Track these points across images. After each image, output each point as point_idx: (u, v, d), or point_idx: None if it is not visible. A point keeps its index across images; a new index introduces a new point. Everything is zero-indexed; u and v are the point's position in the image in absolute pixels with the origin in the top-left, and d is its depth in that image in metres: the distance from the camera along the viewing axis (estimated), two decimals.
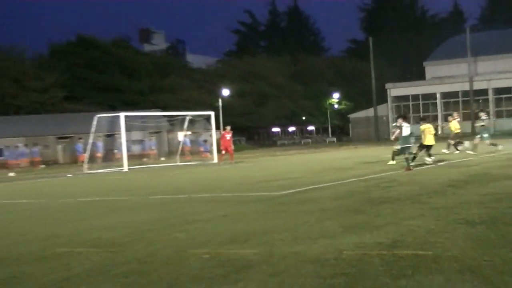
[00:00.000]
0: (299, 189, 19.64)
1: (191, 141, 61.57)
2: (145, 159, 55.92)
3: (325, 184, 21.02)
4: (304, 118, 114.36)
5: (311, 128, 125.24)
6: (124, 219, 14.83)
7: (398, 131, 27.28)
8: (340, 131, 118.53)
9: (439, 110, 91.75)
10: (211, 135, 52.50)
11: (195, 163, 46.21)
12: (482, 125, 36.07)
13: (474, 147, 35.03)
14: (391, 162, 29.62)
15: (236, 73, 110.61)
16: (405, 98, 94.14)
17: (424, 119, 30.86)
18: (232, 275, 8.33)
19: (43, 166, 59.69)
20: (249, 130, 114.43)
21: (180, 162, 47.22)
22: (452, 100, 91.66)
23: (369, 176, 23.34)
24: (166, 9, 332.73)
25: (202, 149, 58.66)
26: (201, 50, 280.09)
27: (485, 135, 35.68)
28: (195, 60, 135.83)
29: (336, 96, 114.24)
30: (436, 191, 16.95)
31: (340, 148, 64.28)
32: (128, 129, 47.80)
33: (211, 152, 51.90)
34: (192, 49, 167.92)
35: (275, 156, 54.09)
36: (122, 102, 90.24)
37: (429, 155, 28.66)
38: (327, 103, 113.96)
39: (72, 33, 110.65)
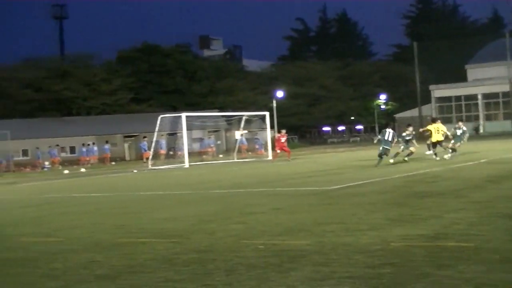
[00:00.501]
0: (348, 184, 19.57)
1: (247, 140, 61.74)
2: (204, 156, 56.18)
3: (373, 180, 20.90)
4: (352, 118, 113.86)
5: (359, 127, 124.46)
6: (186, 212, 14.91)
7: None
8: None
9: (480, 110, 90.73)
10: (265, 134, 52.58)
11: (251, 160, 46.32)
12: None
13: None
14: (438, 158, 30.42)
15: (288, 76, 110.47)
16: (448, 99, 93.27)
17: (435, 120, 33.10)
18: (285, 264, 8.32)
19: (113, 163, 60.45)
20: (301, 129, 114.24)
21: (237, 159, 47.37)
22: (492, 100, 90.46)
23: (414, 172, 23.15)
24: (224, 18, 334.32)
25: (257, 146, 58.82)
26: (256, 55, 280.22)
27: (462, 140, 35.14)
28: (250, 64, 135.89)
29: (382, 97, 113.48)
30: (477, 186, 16.75)
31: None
32: (189, 128, 48.10)
33: (265, 149, 51.96)
34: (248, 54, 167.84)
35: (325, 153, 53.90)
36: (184, 103, 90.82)
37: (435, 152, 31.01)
38: (374, 104, 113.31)
39: (138, 40, 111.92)
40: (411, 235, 9.86)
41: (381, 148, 30.45)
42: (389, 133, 31.18)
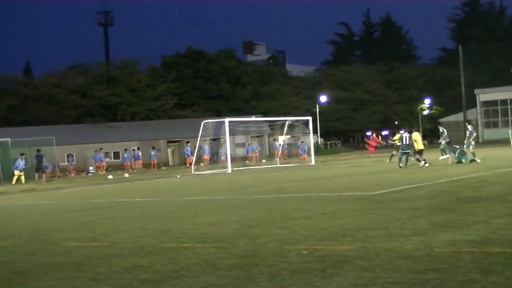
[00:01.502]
0: (392, 189, 19.44)
1: (290, 145, 61.78)
2: (247, 161, 56.28)
3: (417, 184, 20.74)
4: (396, 122, 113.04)
5: (403, 131, 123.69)
6: (229, 217, 14.94)
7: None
8: (432, 134, 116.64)
9: None
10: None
11: (294, 165, 46.27)
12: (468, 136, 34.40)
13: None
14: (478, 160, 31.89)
15: (332, 81, 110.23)
16: (493, 103, 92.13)
17: (411, 131, 34.98)
18: (329, 270, 8.29)
19: (163, 167, 60.97)
20: (345, 134, 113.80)
21: (280, 164, 47.36)
22: None
23: (460, 177, 22.92)
24: (268, 23, 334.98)
25: (300, 151, 58.74)
26: (300, 60, 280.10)
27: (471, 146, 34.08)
28: (294, 69, 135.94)
29: (427, 101, 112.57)
30: None
31: (430, 150, 63.17)
32: (232, 133, 48.25)
33: (309, 154, 51.87)
34: (291, 59, 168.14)
35: (369, 158, 53.61)
36: (227, 109, 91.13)
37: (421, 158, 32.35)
38: (419, 108, 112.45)
39: (182, 46, 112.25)
40: (456, 240, 9.76)
41: (400, 154, 32.94)
42: (405, 138, 32.84)
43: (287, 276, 8.08)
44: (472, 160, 32.04)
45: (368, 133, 48.35)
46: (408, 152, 32.87)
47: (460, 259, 8.41)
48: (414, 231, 10.91)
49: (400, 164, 32.58)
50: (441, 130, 37.33)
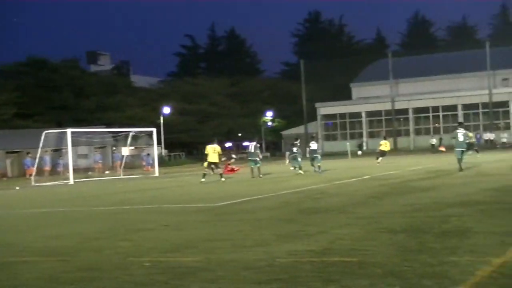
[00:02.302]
0: (236, 200, 19.65)
1: (134, 156, 61.33)
2: (90, 173, 55.23)
3: (260, 196, 21.07)
4: (240, 134, 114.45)
5: (246, 144, 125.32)
6: (71, 229, 14.61)
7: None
8: (274, 146, 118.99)
9: (364, 127, 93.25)
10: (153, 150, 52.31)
11: (138, 177, 45.89)
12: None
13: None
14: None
15: (178, 93, 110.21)
16: (333, 116, 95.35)
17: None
18: (172, 281, 8.27)
19: (5, 179, 58.79)
20: (190, 146, 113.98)
21: (123, 176, 46.83)
22: (376, 118, 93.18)
23: (302, 188, 23.48)
24: (113, 33, 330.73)
25: (144, 163, 58.35)
26: (145, 71, 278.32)
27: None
28: (139, 80, 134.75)
29: (269, 114, 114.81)
30: (361, 202, 17.14)
31: (273, 163, 64.48)
32: (75, 144, 47.23)
33: (153, 166, 51.62)
34: (136, 70, 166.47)
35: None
36: (71, 119, 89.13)
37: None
38: (262, 121, 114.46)
39: (23, 54, 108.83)
40: (297, 250, 9.99)
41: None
42: (252, 145, 35.04)
43: None
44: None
45: (229, 144, 48.13)
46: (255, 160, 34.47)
47: (301, 268, 8.61)
48: (257, 242, 11.08)
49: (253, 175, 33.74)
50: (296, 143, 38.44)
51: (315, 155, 35.23)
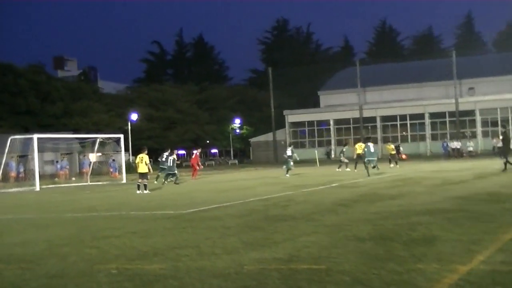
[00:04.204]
0: (203, 208, 19.61)
1: (101, 162, 60.90)
2: (56, 179, 54.76)
3: (227, 203, 21.03)
4: (208, 141, 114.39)
5: (214, 151, 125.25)
6: (37, 236, 14.46)
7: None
8: (242, 154, 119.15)
9: (332, 135, 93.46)
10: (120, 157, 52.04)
11: (105, 183, 45.60)
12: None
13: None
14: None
15: (144, 99, 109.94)
16: (301, 124, 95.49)
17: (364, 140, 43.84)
18: None
19: None
20: (157, 153, 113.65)
21: (90, 182, 46.51)
22: (344, 126, 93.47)
23: (269, 196, 23.50)
24: (79, 39, 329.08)
25: (112, 169, 58.00)
26: (112, 77, 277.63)
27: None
28: (106, 86, 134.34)
29: (237, 121, 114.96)
30: (328, 209, 17.19)
31: (241, 170, 64.50)
32: (41, 150, 46.82)
33: (120, 172, 51.33)
34: (103, 75, 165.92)
35: (180, 177, 53.77)
36: (37, 125, 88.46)
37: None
38: (230, 128, 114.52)
39: None
40: (265, 258, 10.00)
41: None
42: (167, 156, 39.51)
43: None
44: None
45: (194, 151, 47.72)
46: (174, 173, 38.42)
47: (268, 276, 8.61)
48: (225, 249, 11.07)
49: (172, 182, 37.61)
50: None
51: (289, 160, 40.71)
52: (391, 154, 48.31)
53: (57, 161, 63.31)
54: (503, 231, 11.70)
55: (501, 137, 35.14)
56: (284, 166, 40.84)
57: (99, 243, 12.66)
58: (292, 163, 40.81)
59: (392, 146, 49.22)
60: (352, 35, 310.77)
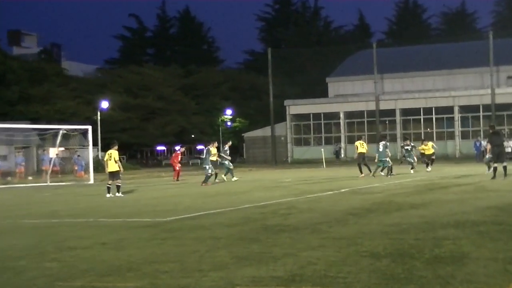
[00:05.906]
0: (188, 215, 19.63)
1: (65, 159, 60.83)
2: (9, 178, 54.71)
3: (217, 210, 21.06)
4: (193, 136, 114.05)
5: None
6: None
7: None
8: (234, 151, 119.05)
9: (342, 131, 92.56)
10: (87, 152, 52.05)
11: (68, 184, 45.63)
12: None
13: None
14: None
15: (119, 83, 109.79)
16: (305, 117, 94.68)
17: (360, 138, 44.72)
18: None
19: None
20: (132, 148, 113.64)
21: (51, 183, 46.49)
22: (356, 120, 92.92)
23: (267, 202, 23.51)
24: (41, 10, 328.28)
25: (77, 168, 58.01)
26: (80, 57, 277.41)
27: None
28: (72, 67, 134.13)
29: (229, 112, 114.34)
30: (338, 219, 17.20)
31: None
32: None
33: (86, 171, 51.36)
34: (69, 55, 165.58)
35: (160, 177, 53.90)
36: None
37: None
38: (220, 120, 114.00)
39: None
40: (261, 276, 10.03)
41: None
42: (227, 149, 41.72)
43: None
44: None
45: (177, 148, 48.11)
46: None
47: None
48: (213, 265, 11.09)
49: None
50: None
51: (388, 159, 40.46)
52: (426, 155, 48.07)
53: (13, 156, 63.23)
54: None
55: None
56: (381, 165, 40.30)
57: (63, 256, 12.68)
58: (389, 160, 40.16)
59: (429, 144, 48.96)
60: (368, 11, 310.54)
